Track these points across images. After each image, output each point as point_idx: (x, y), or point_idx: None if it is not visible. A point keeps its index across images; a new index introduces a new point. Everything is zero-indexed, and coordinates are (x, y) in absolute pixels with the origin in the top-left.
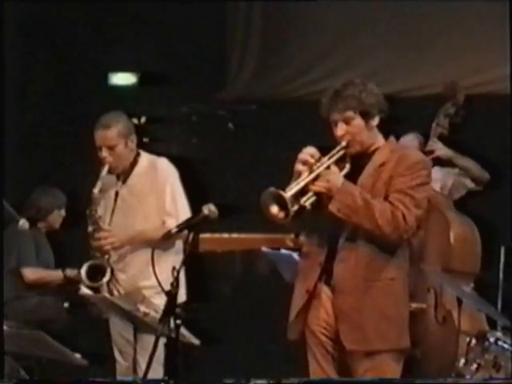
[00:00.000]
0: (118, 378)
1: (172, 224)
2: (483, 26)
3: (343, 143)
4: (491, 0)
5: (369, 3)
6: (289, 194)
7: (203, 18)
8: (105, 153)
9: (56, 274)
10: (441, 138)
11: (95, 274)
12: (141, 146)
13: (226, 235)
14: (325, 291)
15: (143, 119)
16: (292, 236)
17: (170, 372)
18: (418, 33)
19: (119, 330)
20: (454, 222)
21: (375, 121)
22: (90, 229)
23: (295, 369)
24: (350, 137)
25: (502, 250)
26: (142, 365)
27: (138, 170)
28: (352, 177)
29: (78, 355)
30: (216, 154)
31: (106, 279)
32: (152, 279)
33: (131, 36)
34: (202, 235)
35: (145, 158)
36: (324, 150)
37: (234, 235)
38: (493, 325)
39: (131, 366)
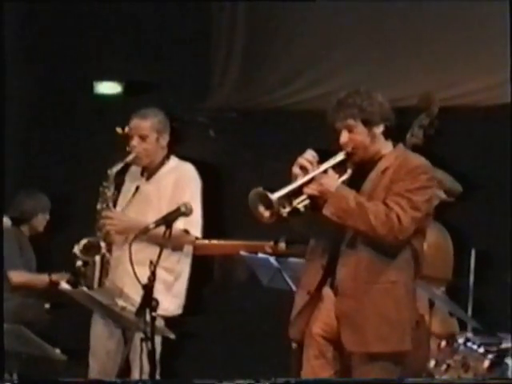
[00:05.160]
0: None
1: (179, 226)
2: (465, 36)
3: (345, 150)
4: (470, 12)
5: (353, 14)
6: (276, 195)
7: (187, 28)
8: (135, 142)
9: (41, 278)
10: (415, 148)
11: (90, 250)
12: (125, 154)
13: (205, 241)
14: (328, 294)
15: (127, 129)
16: (271, 243)
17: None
18: (400, 44)
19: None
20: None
21: (379, 128)
22: (99, 206)
23: (272, 370)
24: (353, 144)
25: (473, 253)
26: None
27: (164, 170)
28: (356, 183)
29: (57, 350)
30: (197, 160)
31: (98, 256)
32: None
33: (116, 45)
34: None
35: (173, 161)
36: (325, 155)
37: (214, 241)
38: (464, 328)
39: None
